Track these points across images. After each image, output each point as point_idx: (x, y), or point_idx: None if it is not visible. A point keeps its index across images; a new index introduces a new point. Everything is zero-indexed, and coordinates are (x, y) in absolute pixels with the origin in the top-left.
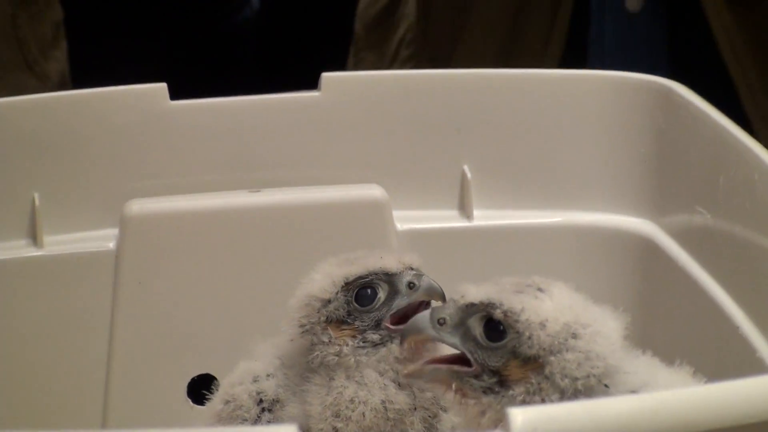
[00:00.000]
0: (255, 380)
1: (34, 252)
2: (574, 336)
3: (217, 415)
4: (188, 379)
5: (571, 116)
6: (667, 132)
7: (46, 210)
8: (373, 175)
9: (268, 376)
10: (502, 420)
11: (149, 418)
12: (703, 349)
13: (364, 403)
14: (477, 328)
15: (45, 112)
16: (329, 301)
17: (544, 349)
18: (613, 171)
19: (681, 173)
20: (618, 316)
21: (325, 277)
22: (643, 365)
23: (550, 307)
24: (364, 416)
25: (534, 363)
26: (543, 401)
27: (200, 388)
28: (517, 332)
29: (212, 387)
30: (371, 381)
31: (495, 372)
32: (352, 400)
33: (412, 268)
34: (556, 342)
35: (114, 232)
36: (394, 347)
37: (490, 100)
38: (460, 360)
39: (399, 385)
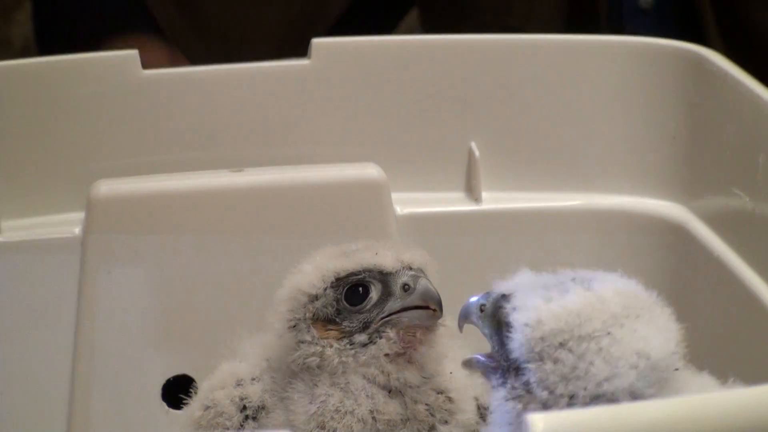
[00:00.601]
0: (239, 384)
1: None
2: (563, 346)
3: (196, 423)
4: (163, 381)
5: (591, 87)
6: (700, 105)
7: (3, 192)
8: (369, 153)
9: (253, 379)
10: None
11: (119, 424)
12: (742, 349)
13: (350, 413)
14: (503, 322)
15: (4, 81)
16: (317, 297)
17: (522, 353)
18: (639, 148)
19: (715, 151)
20: (672, 334)
21: (315, 270)
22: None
23: (548, 308)
24: (351, 428)
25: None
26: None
27: (176, 390)
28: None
29: (190, 390)
30: (357, 388)
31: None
32: (337, 410)
33: (411, 268)
34: (537, 349)
35: (80, 216)
36: (383, 343)
37: (501, 69)
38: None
39: (390, 392)
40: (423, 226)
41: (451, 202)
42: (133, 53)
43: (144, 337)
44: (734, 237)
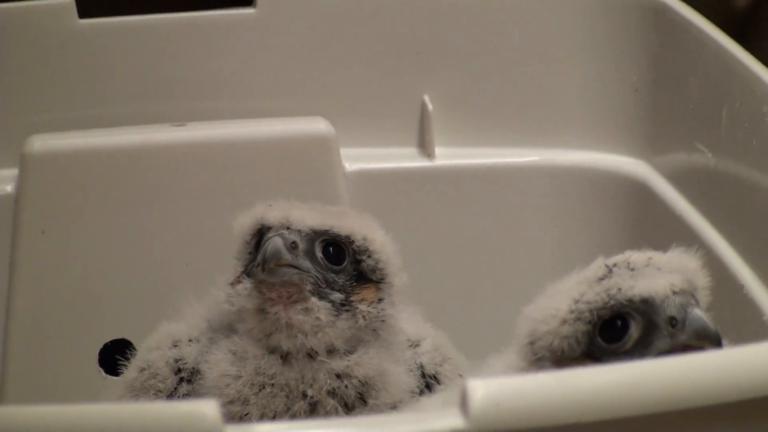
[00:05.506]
0: (174, 345)
1: None
2: None
3: (129, 385)
4: (100, 346)
5: (550, 37)
6: (663, 57)
7: None
8: (317, 107)
9: (190, 341)
10: None
11: (54, 390)
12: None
13: (236, 377)
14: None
15: None
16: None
17: None
18: (600, 102)
19: (679, 105)
20: None
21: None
22: None
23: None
24: (241, 393)
25: None
26: None
27: (114, 355)
28: None
29: (127, 352)
30: (245, 351)
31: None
32: (223, 376)
33: (288, 228)
34: None
35: (13, 172)
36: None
37: (456, 19)
38: None
39: (283, 359)
40: (373, 182)
41: (403, 158)
42: (69, 1)
43: (79, 299)
44: (696, 194)
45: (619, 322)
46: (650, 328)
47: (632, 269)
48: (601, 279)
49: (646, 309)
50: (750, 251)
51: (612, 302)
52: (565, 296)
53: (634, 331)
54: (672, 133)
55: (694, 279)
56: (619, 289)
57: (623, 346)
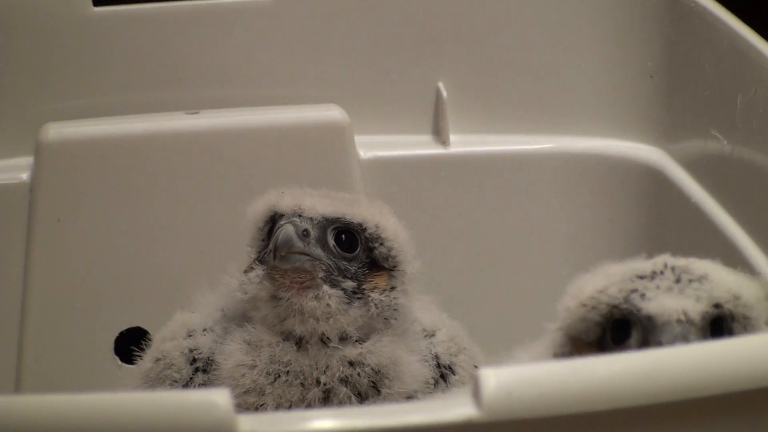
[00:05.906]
0: (189, 335)
1: None
2: None
3: (145, 375)
4: (115, 334)
5: (564, 24)
6: (678, 43)
7: None
8: (331, 94)
9: (204, 330)
10: None
11: (69, 379)
12: None
13: (251, 367)
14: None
15: None
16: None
17: None
18: (615, 89)
19: (693, 92)
20: None
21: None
22: None
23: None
24: (256, 382)
25: None
26: None
27: (129, 343)
28: None
29: (143, 343)
30: (260, 340)
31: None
32: (238, 366)
33: (300, 215)
34: None
35: (28, 161)
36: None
37: (470, 5)
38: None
39: (298, 346)
40: (388, 170)
41: (418, 146)
42: None
43: (95, 287)
44: (712, 181)
45: (626, 327)
46: (645, 344)
47: (678, 281)
48: (642, 277)
49: (647, 325)
50: (766, 238)
51: (624, 305)
52: (599, 280)
53: (634, 341)
54: (687, 119)
55: (744, 309)
56: (642, 295)
57: (622, 350)
